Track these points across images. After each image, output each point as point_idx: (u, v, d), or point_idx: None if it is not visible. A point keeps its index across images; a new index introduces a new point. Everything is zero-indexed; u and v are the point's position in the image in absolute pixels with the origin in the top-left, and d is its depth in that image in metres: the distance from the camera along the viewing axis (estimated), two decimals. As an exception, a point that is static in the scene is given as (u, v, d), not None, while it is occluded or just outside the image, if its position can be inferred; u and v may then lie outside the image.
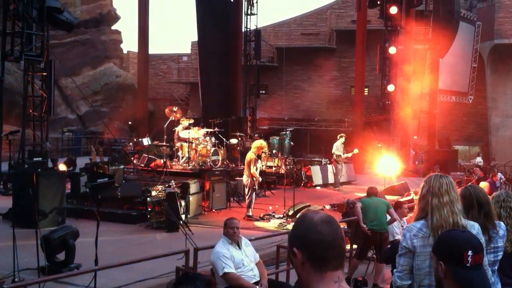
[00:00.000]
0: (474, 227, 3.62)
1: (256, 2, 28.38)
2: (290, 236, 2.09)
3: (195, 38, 27.01)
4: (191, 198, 12.83)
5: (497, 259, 3.99)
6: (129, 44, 66.09)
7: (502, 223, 4.16)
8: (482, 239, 3.59)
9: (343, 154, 18.58)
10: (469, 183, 8.42)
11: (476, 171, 20.57)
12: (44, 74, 12.31)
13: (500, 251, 3.99)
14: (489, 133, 34.86)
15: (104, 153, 17.18)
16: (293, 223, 2.15)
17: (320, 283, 1.99)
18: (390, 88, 24.18)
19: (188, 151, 15.70)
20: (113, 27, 38.90)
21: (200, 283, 1.82)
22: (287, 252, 2.11)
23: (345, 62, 34.77)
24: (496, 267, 4.01)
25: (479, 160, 27.78)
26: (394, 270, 3.75)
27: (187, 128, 16.12)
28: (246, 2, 28.11)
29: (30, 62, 12.04)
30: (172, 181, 12.80)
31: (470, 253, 2.42)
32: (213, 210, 13.79)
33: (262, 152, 13.88)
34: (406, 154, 24.68)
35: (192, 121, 16.68)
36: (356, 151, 19.00)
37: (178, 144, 16.16)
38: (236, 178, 15.90)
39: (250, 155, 12.82)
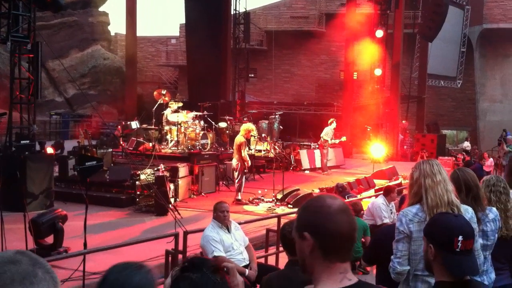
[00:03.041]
0: (468, 211, 3.63)
1: (246, -15, 28.22)
2: (302, 219, 2.00)
3: (184, 20, 26.80)
4: (180, 181, 12.81)
5: (488, 244, 3.98)
6: (117, 26, 65.49)
7: (494, 208, 4.17)
8: (476, 225, 3.60)
9: (330, 140, 18.53)
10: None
11: (460, 156, 20.96)
12: (31, 56, 12.15)
13: (491, 236, 4.00)
14: (477, 118, 35.07)
15: (92, 137, 17.07)
16: (305, 206, 2.04)
17: (326, 273, 1.95)
18: (378, 72, 24.18)
19: (177, 135, 15.65)
20: (101, 9, 38.53)
21: (207, 269, 1.75)
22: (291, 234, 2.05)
23: (335, 46, 34.67)
24: (488, 253, 4.01)
25: (466, 144, 27.96)
26: (392, 257, 3.71)
27: (176, 111, 16.06)
28: (235, -16, 27.88)
29: (17, 43, 11.87)
30: (161, 164, 12.76)
31: (460, 238, 2.43)
32: (202, 194, 13.79)
33: (251, 135, 13.86)
34: (394, 139, 24.78)
35: (181, 104, 16.60)
36: (344, 138, 18.99)
37: (167, 128, 16.10)
38: (225, 162, 15.88)
39: (240, 139, 12.78)
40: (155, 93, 17.74)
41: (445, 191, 3.58)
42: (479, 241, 3.76)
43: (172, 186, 12.30)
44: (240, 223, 7.06)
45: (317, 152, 19.64)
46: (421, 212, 3.63)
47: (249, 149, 16.86)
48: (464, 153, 23.43)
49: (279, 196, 13.12)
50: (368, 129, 22.42)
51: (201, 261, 1.78)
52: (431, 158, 18.83)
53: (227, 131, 18.95)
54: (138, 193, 12.27)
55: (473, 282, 2.58)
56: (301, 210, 2.04)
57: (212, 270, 1.74)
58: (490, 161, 17.91)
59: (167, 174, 12.24)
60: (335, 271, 1.94)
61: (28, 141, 11.92)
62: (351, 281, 1.95)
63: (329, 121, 18.78)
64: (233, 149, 13.47)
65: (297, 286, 2.37)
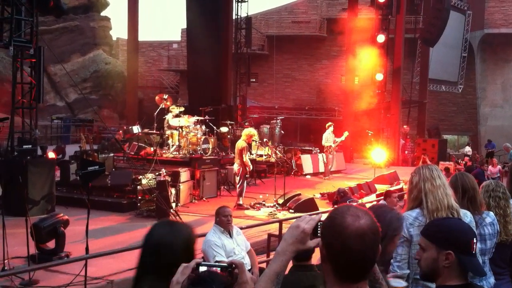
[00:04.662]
0: (467, 216, 3.64)
1: (247, -11, 28.27)
2: (323, 226, 1.94)
3: (185, 25, 26.82)
4: (181, 186, 12.81)
5: (486, 248, 3.99)
6: (119, 31, 65.58)
7: (491, 212, 4.18)
8: (475, 228, 3.61)
9: (333, 143, 18.54)
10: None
11: (462, 162, 20.98)
12: (33, 60, 12.18)
13: (488, 240, 4.00)
14: (478, 123, 35.06)
15: (93, 141, 17.09)
16: (330, 214, 1.92)
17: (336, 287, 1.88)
18: (379, 77, 24.19)
19: (179, 139, 15.66)
20: (102, 14, 38.60)
21: (217, 286, 1.71)
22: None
23: (336, 51, 34.71)
24: (486, 258, 4.01)
25: (468, 149, 27.94)
26: (392, 260, 3.72)
27: (178, 116, 16.07)
28: (236, -11, 27.95)
29: (19, 48, 11.91)
30: (163, 169, 12.76)
31: (475, 240, 2.47)
32: (204, 198, 13.79)
33: (253, 140, 13.86)
34: (395, 144, 24.76)
35: (182, 109, 16.62)
36: (346, 133, 18.96)
37: (168, 132, 16.11)
38: (226, 167, 15.88)
39: (241, 143, 12.78)
40: (156, 97, 17.74)
41: (444, 195, 3.59)
42: (478, 245, 3.77)
43: (173, 190, 12.29)
44: (241, 228, 7.06)
45: (320, 157, 19.62)
46: (421, 216, 3.63)
47: (250, 153, 16.86)
48: (468, 158, 23.32)
49: (281, 201, 13.11)
50: (369, 134, 22.41)
51: (212, 277, 1.75)
52: (432, 161, 18.59)
53: (229, 136, 18.95)
54: (139, 197, 12.26)
55: (476, 286, 2.59)
56: (327, 216, 1.95)
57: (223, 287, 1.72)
58: (498, 169, 17.78)
59: (168, 178, 12.23)
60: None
61: (30, 146, 11.93)
62: None
63: (327, 125, 18.80)
64: (234, 153, 13.46)
65: None
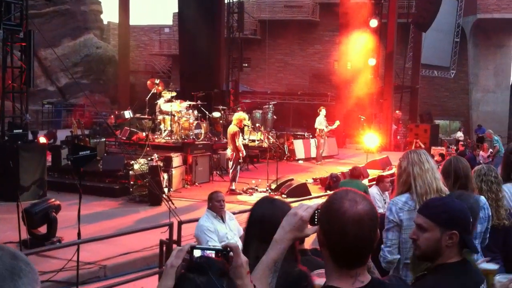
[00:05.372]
0: None
1: (239, -27, 28.05)
2: (320, 211, 1.93)
3: (177, 9, 26.60)
4: (174, 171, 12.79)
5: (477, 232, 3.98)
6: (110, 14, 65.08)
7: (482, 197, 4.17)
8: None
9: (326, 128, 18.56)
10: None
11: (453, 147, 21.01)
12: (23, 44, 12.06)
13: (479, 224, 3.99)
14: (470, 108, 35.16)
15: (84, 126, 16.98)
16: (328, 199, 1.91)
17: (334, 273, 1.88)
18: (371, 62, 24.14)
19: (171, 124, 15.60)
20: (93, -3, 38.20)
21: (213, 273, 1.68)
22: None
23: (328, 36, 34.55)
24: (477, 242, 4.01)
25: (460, 134, 28.03)
26: (382, 246, 3.72)
27: (169, 101, 15.99)
28: (228, -28, 27.72)
29: (9, 32, 11.78)
30: (155, 154, 12.72)
31: (471, 219, 2.52)
32: (196, 183, 13.77)
33: (244, 124, 13.83)
34: (388, 129, 24.80)
35: (174, 94, 16.54)
36: (337, 122, 19.00)
37: (160, 117, 16.04)
38: (219, 152, 15.85)
39: (233, 128, 12.73)
40: (148, 82, 17.65)
41: (433, 179, 3.61)
42: None
43: (165, 176, 12.27)
44: (234, 213, 7.06)
45: (312, 142, 19.65)
46: (411, 201, 3.64)
47: (243, 138, 16.84)
48: (462, 143, 23.33)
49: (273, 186, 13.13)
50: (362, 119, 22.41)
51: (208, 263, 1.72)
52: (425, 146, 18.67)
53: (221, 121, 18.89)
54: (131, 183, 12.23)
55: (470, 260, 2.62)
56: (325, 201, 1.93)
57: (219, 274, 1.70)
58: (488, 153, 17.90)
59: (160, 164, 12.20)
60: (345, 274, 1.86)
61: (20, 131, 11.86)
62: (364, 283, 1.87)
63: (318, 110, 18.82)
64: (226, 139, 13.43)
65: (294, 279, 2.34)
